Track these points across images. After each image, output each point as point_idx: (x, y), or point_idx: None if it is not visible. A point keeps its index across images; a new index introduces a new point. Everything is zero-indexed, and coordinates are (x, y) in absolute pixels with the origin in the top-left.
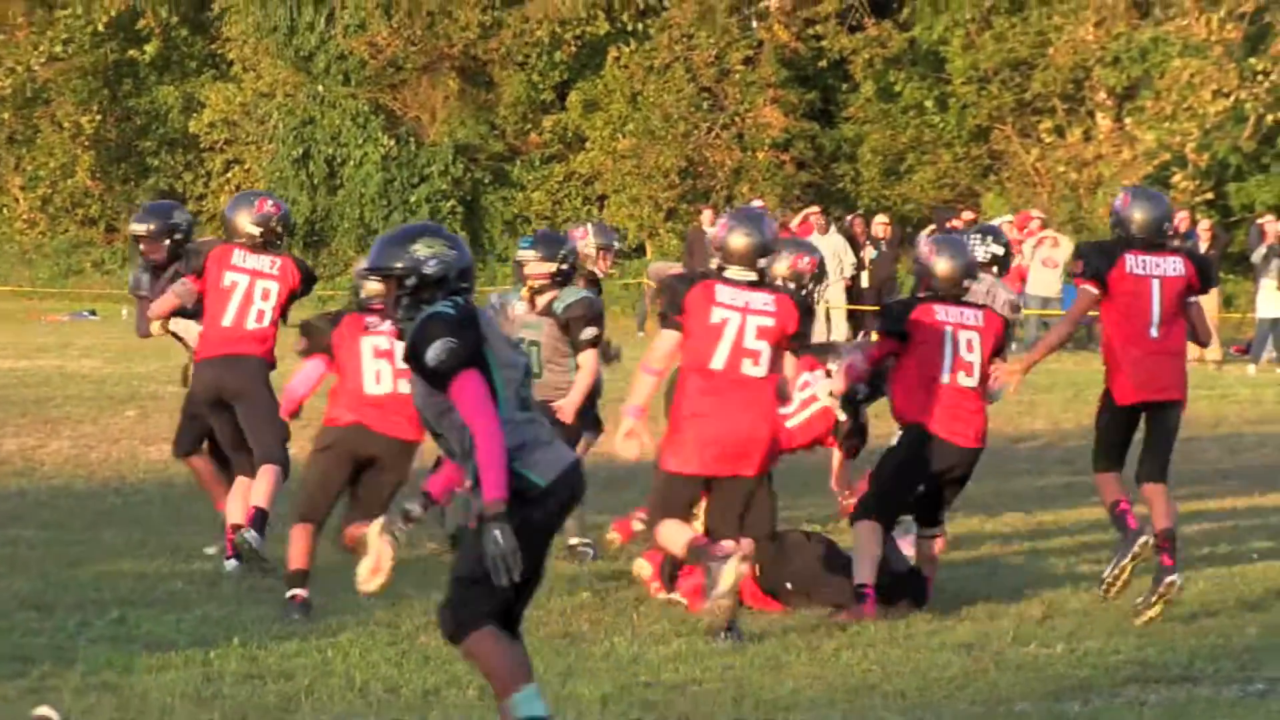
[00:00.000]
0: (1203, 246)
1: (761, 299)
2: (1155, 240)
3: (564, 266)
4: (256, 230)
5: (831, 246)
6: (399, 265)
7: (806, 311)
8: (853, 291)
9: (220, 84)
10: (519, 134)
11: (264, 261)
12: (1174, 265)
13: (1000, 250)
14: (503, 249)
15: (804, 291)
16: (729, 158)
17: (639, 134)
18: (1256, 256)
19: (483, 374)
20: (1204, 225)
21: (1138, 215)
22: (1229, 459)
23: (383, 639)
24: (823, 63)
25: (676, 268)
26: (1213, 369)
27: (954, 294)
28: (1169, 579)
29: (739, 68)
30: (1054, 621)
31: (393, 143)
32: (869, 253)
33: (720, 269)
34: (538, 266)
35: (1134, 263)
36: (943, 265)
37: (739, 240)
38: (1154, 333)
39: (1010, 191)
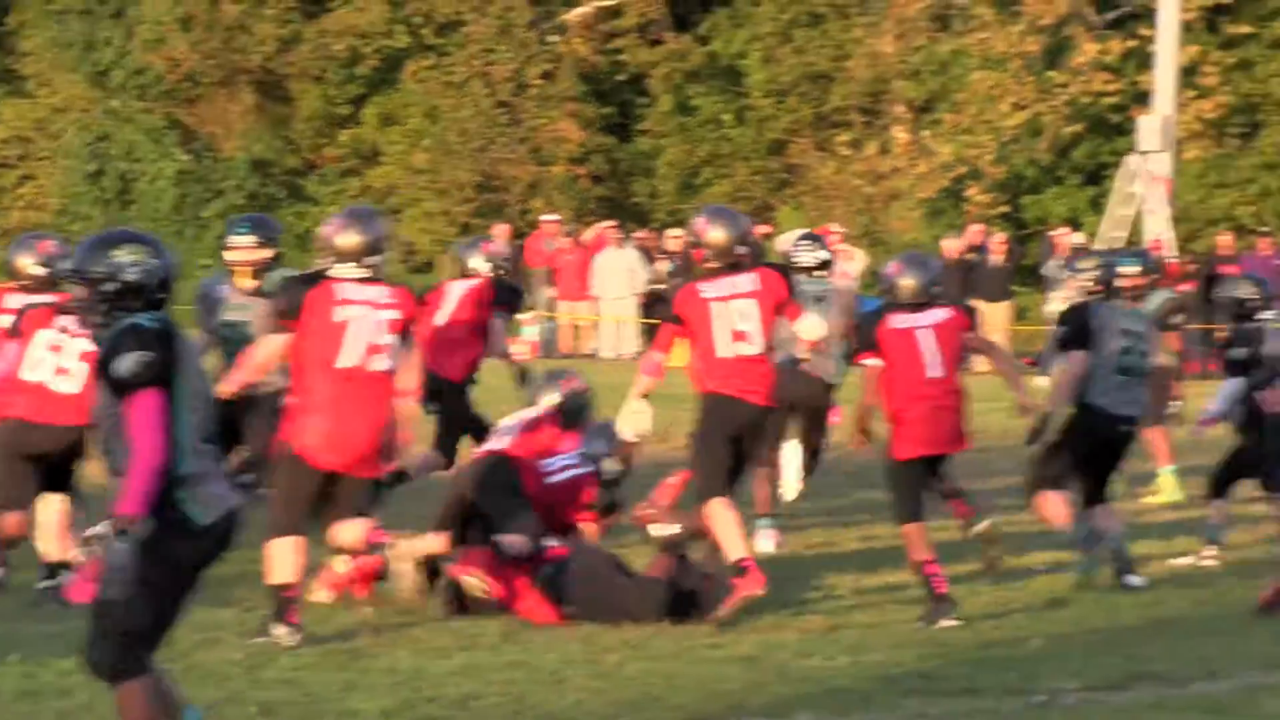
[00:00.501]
0: (997, 259)
1: (381, 292)
2: (920, 302)
3: (280, 250)
4: (42, 271)
5: (626, 261)
6: (99, 270)
7: (419, 303)
8: (648, 306)
9: (14, 100)
10: (314, 148)
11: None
12: (937, 314)
13: (827, 255)
14: (296, 265)
15: (576, 412)
16: (525, 172)
17: (435, 149)
18: (1048, 269)
19: (167, 396)
20: (998, 238)
21: (906, 282)
22: (1017, 471)
23: (160, 656)
24: (621, 76)
25: None
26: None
27: (729, 263)
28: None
29: (537, 82)
30: (838, 634)
31: (188, 158)
32: (664, 266)
33: (329, 267)
34: (253, 253)
35: (896, 320)
36: (715, 234)
37: (348, 239)
38: (931, 373)
39: (806, 205)
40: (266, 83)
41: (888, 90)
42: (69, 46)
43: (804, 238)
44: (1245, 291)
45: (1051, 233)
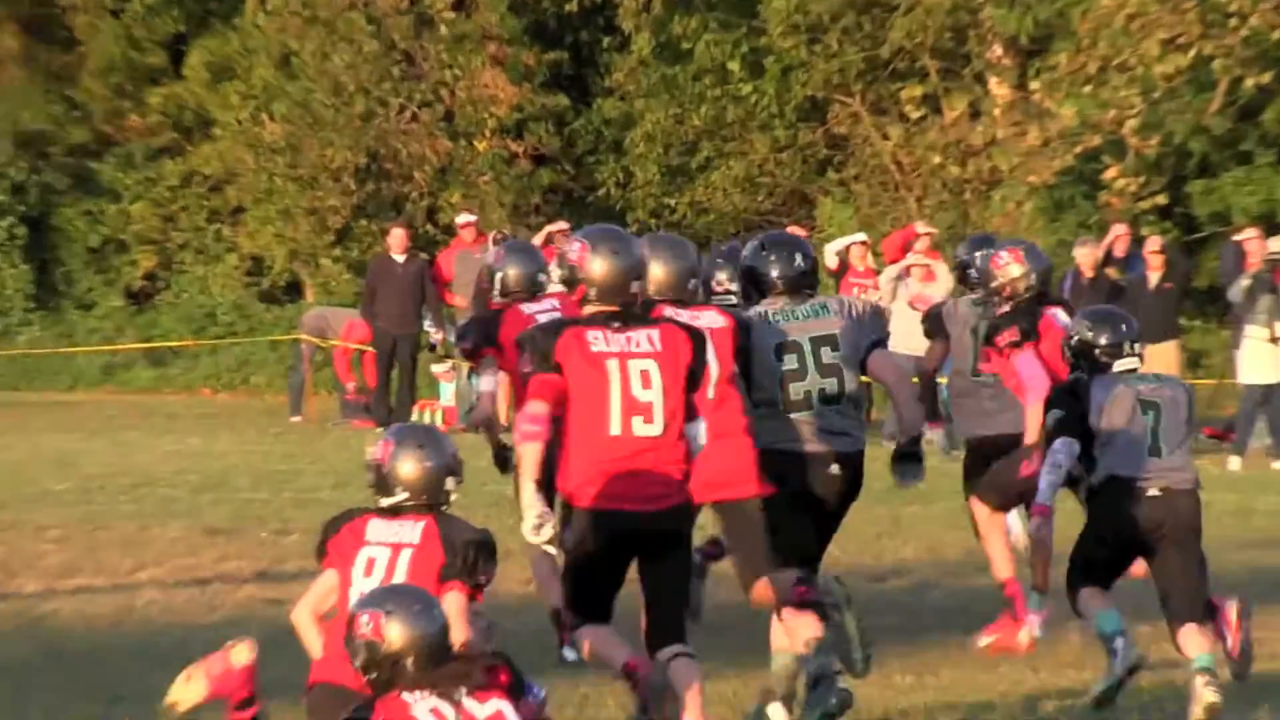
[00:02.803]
0: (1153, 278)
1: None
2: (684, 298)
3: None
4: None
5: None
6: None
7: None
8: None
9: None
10: (112, 115)
11: None
12: (711, 318)
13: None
14: (84, 291)
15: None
16: (432, 149)
17: (294, 115)
18: (1235, 294)
19: None
20: (1153, 246)
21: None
22: None
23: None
24: (572, 6)
25: (347, 316)
26: None
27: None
28: None
29: (447, 14)
30: None
31: None
32: None
33: None
34: None
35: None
36: (598, 267)
37: None
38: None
39: (859, 196)
40: (38, 20)
41: (976, 23)
42: None
43: (975, 242)
44: (1085, 333)
45: (1238, 236)
